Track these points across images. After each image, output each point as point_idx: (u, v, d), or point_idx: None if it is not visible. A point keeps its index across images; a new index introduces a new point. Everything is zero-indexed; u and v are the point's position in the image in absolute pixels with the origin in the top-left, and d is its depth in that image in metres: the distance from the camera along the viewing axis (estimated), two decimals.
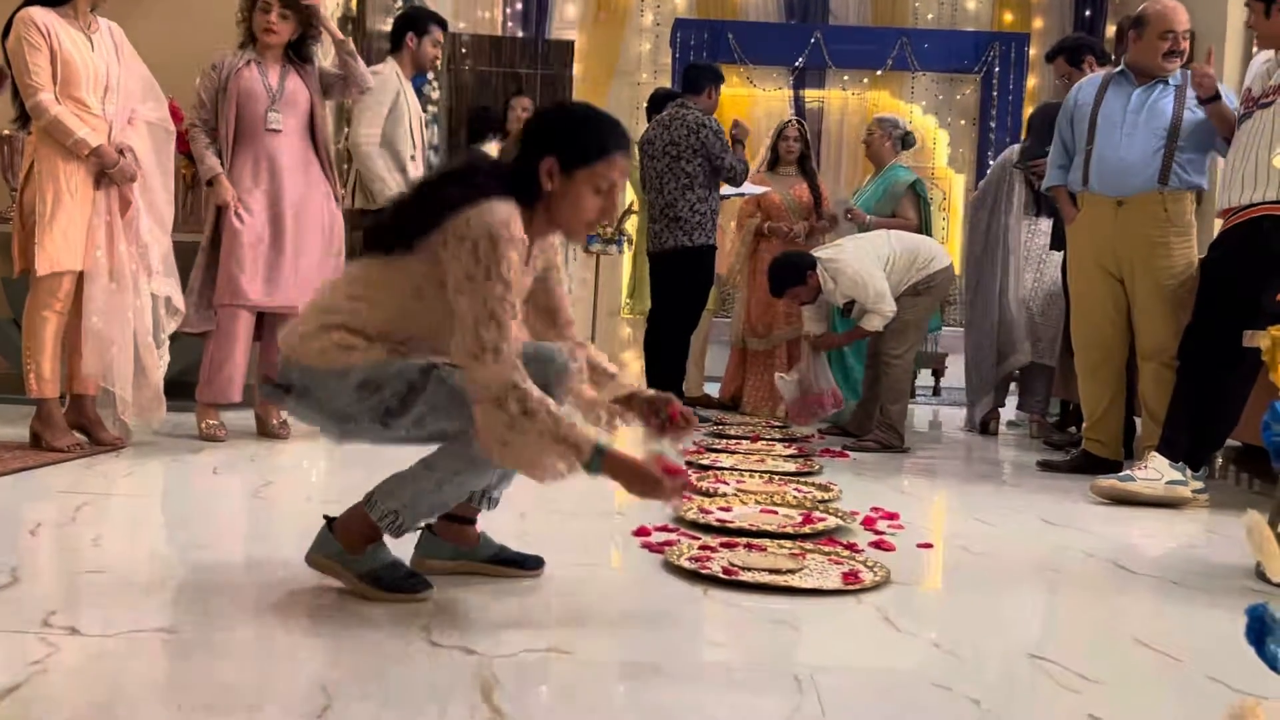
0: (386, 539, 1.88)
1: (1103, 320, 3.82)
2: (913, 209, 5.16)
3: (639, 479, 1.77)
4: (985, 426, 5.12)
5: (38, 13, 3.24)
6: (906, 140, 5.31)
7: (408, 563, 1.97)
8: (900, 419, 4.38)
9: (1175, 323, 3.58)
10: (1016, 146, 5.12)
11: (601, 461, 1.74)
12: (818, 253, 4.43)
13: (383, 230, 1.86)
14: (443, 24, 4.64)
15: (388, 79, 4.44)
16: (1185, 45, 3.64)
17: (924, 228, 5.02)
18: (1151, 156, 3.65)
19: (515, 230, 1.75)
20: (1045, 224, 4.89)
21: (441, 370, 1.80)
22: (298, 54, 3.92)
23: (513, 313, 1.73)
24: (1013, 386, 5.27)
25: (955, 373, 7.19)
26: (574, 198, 1.85)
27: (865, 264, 4.24)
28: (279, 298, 3.81)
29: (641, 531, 2.40)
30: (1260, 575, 2.30)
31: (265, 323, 3.88)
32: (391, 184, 4.40)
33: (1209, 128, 3.61)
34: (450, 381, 1.79)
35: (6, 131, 4.13)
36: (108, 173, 3.32)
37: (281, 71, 3.87)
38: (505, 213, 1.75)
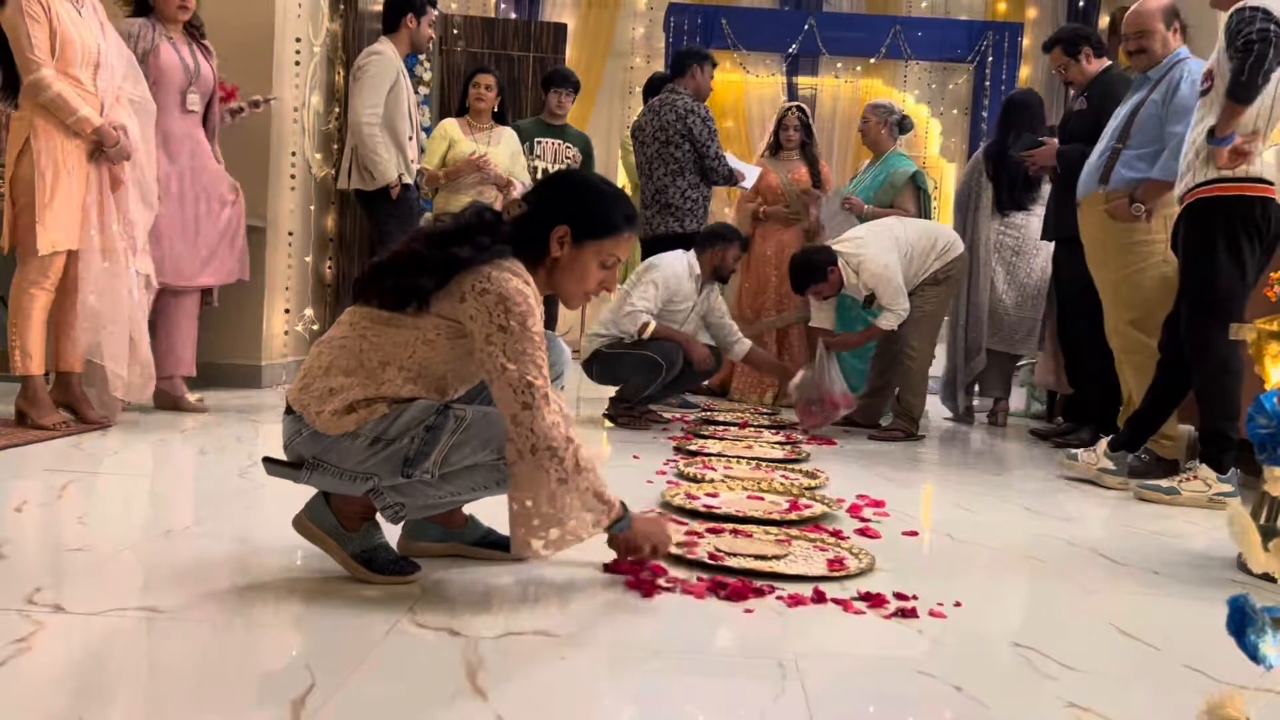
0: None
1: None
2: (912, 201, 5.12)
3: (650, 542, 1.92)
4: (994, 418, 5.13)
5: None
6: (904, 125, 5.25)
7: (394, 541, 1.97)
8: (919, 409, 4.39)
9: (1122, 318, 3.62)
10: (981, 150, 5.11)
11: (628, 523, 1.86)
12: (838, 246, 4.32)
13: (390, 288, 1.77)
14: (435, 4, 4.64)
15: (388, 58, 4.41)
16: (1138, 44, 3.65)
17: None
18: (1102, 157, 3.69)
19: (533, 290, 1.77)
20: (1019, 218, 4.88)
21: (455, 408, 1.79)
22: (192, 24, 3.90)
23: (545, 364, 1.74)
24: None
25: (938, 363, 7.21)
26: (580, 268, 1.88)
27: (888, 257, 4.18)
28: (188, 278, 3.89)
29: None
30: (1242, 566, 2.32)
31: (163, 300, 3.89)
32: (390, 163, 4.38)
33: (1162, 115, 3.58)
34: (470, 415, 1.77)
35: None
36: (105, 151, 3.29)
37: (190, 49, 3.87)
38: (522, 272, 1.77)
